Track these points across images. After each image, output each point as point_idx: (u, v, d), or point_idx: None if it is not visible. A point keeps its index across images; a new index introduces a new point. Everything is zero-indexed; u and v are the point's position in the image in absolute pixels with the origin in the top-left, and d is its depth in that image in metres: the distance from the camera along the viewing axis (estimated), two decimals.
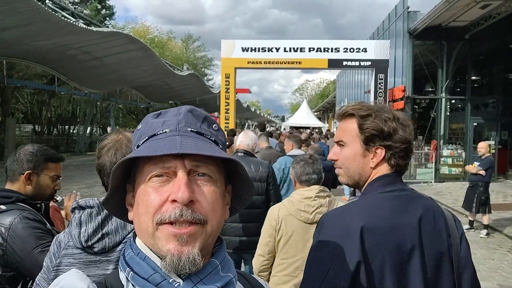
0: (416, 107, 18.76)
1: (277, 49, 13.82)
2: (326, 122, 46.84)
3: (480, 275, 5.73)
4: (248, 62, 13.90)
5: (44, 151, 1.99)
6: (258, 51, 13.82)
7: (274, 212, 2.53)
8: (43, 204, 1.96)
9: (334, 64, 14.01)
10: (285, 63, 13.90)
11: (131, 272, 0.71)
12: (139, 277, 0.70)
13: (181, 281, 0.69)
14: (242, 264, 3.75)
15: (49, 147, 2.13)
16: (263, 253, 2.54)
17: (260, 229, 2.63)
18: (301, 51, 13.81)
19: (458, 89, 16.93)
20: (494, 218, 8.25)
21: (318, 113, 55.62)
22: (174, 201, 0.68)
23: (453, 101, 16.42)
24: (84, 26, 11.97)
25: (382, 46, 13.82)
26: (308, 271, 1.24)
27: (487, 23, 12.47)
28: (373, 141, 1.31)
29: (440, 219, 1.30)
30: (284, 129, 31.46)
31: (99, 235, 1.25)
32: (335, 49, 13.78)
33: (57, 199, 2.08)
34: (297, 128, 24.16)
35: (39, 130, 26.88)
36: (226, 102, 13.97)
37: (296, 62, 13.90)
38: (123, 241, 1.26)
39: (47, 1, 11.97)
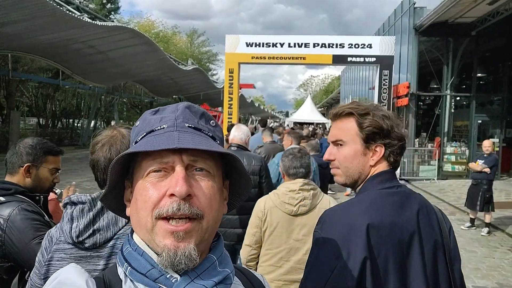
0: (421, 103, 18.64)
1: (282, 45, 13.78)
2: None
3: (480, 274, 5.74)
4: (252, 57, 13.88)
5: (43, 144, 2.02)
6: (262, 46, 13.79)
7: (261, 204, 2.61)
8: (41, 196, 1.99)
9: (338, 60, 13.95)
10: (289, 58, 13.86)
11: (129, 267, 0.71)
12: (137, 272, 0.70)
13: (179, 277, 0.70)
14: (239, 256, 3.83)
15: (53, 140, 2.16)
16: (250, 243, 2.61)
17: None
18: (305, 46, 13.76)
19: (464, 86, 16.81)
20: (496, 216, 8.22)
21: (322, 109, 55.45)
22: (172, 195, 0.69)
23: (458, 98, 16.31)
24: (89, 20, 11.97)
25: (387, 42, 13.74)
26: (312, 268, 1.23)
27: (494, 19, 12.35)
28: (373, 139, 1.33)
29: (432, 214, 1.34)
30: (288, 125, 31.43)
31: (90, 231, 1.25)
32: (340, 45, 13.71)
33: (56, 192, 2.11)
34: (301, 123, 24.10)
35: (43, 123, 27.01)
36: (229, 97, 13.97)
37: (301, 58, 13.86)
38: (114, 237, 1.27)
39: None
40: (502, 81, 15.27)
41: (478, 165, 7.47)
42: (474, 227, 7.84)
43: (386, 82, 13.71)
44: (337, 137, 1.39)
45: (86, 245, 1.25)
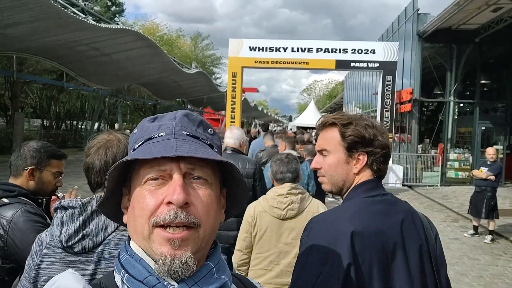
0: (424, 109, 18.62)
1: (285, 49, 13.79)
2: None
3: (483, 282, 5.71)
4: (255, 62, 13.89)
5: (47, 148, 2.04)
6: (266, 50, 13.80)
7: (251, 209, 2.66)
8: (44, 199, 2.01)
9: (341, 65, 13.94)
10: (292, 63, 13.86)
11: (126, 274, 0.71)
12: (134, 279, 0.70)
13: (176, 284, 0.70)
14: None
15: (57, 142, 2.20)
16: (241, 248, 2.67)
17: None
18: (308, 51, 13.76)
19: (467, 93, 16.79)
20: (500, 224, 8.16)
21: (326, 113, 55.46)
22: (169, 203, 0.69)
23: (462, 104, 16.29)
24: (94, 22, 12.04)
25: (391, 48, 13.74)
26: (299, 275, 1.27)
27: (498, 26, 12.34)
28: (355, 147, 1.37)
29: (418, 220, 1.38)
30: (291, 129, 31.41)
31: (80, 235, 1.26)
32: (343, 50, 13.72)
33: (59, 195, 2.12)
34: (304, 128, 24.10)
35: (47, 125, 27.13)
36: (232, 101, 13.98)
37: (304, 63, 13.86)
38: (103, 242, 1.27)
39: None
40: (506, 88, 15.25)
41: (483, 172, 7.43)
42: (477, 235, 7.79)
43: (389, 87, 13.69)
44: (322, 147, 1.45)
45: (76, 249, 1.25)
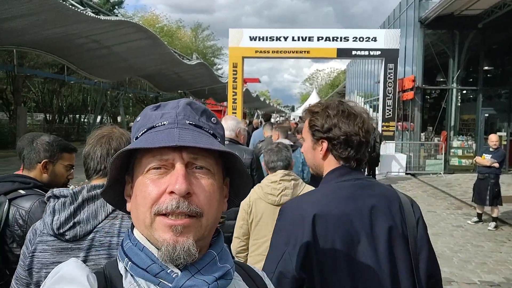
0: (427, 97, 18.49)
1: (285, 38, 13.68)
2: None
3: (487, 268, 5.71)
4: (256, 52, 13.80)
5: (59, 142, 2.15)
6: (266, 40, 13.70)
7: (246, 197, 2.67)
8: None
9: (343, 53, 13.83)
10: (293, 52, 13.77)
11: (130, 263, 0.72)
12: (138, 267, 0.71)
13: (179, 272, 0.70)
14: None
15: (61, 136, 2.31)
16: (239, 235, 2.77)
17: None
18: (309, 40, 13.66)
19: (470, 80, 16.63)
20: (503, 211, 8.14)
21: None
22: (171, 192, 0.69)
23: (465, 91, 16.15)
24: (93, 14, 11.96)
25: (392, 35, 13.61)
26: (268, 254, 1.40)
27: (501, 11, 12.17)
28: (317, 135, 1.48)
29: (395, 204, 1.41)
30: (293, 119, 31.31)
31: (71, 223, 1.30)
32: (344, 38, 13.60)
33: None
34: None
35: (50, 118, 27.19)
36: (233, 91, 13.93)
37: (305, 52, 13.76)
38: (94, 230, 1.31)
39: None
40: (509, 74, 15.10)
41: (486, 159, 7.38)
42: (481, 222, 7.77)
43: (391, 75, 13.60)
44: (302, 134, 1.60)
45: (67, 237, 1.29)
